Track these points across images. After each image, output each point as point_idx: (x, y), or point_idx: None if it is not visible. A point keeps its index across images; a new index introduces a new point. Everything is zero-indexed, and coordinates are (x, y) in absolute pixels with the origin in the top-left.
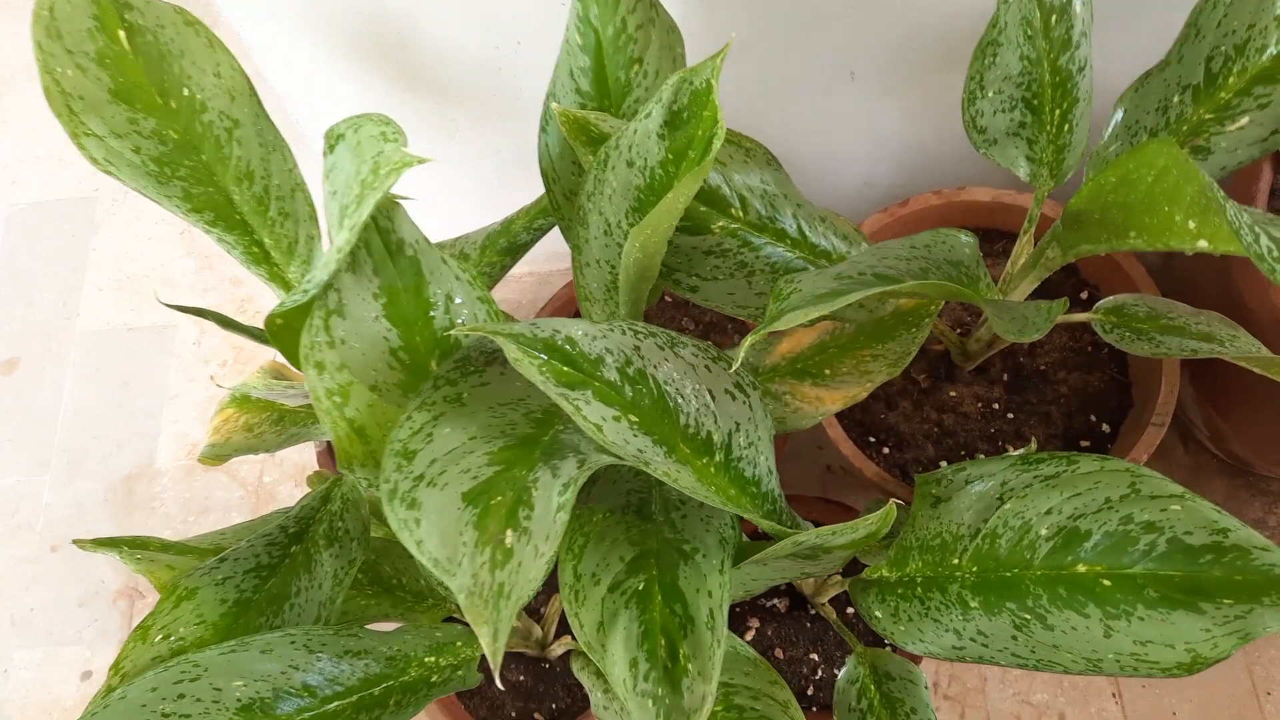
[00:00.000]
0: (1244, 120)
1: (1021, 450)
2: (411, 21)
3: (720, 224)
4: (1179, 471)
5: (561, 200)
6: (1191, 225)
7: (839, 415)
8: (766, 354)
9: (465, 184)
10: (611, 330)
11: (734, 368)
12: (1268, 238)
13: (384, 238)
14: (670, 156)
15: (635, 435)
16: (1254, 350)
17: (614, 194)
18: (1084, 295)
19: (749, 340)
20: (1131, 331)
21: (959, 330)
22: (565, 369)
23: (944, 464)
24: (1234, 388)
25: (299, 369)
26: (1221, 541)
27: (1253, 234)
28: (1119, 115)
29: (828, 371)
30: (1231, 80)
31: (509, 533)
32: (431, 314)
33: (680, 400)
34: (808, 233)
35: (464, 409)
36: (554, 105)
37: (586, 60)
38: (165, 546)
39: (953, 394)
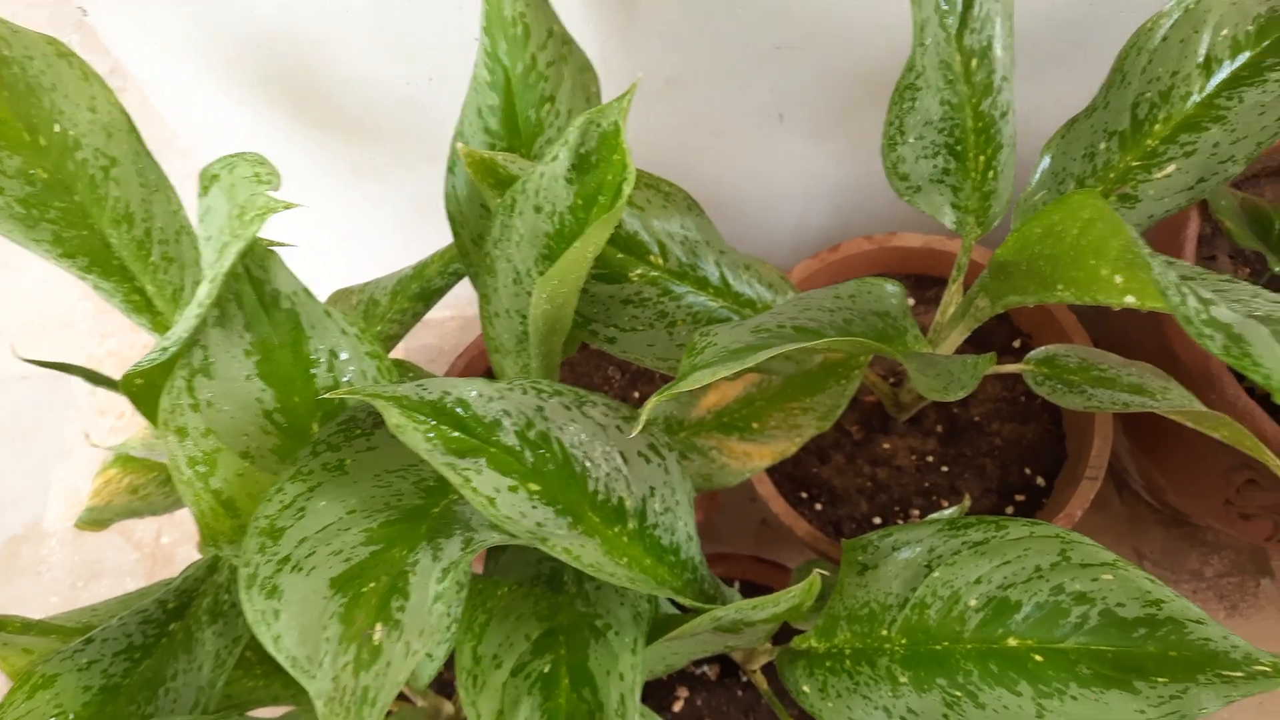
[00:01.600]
0: (1171, 168)
1: (950, 511)
2: (322, 55)
3: (639, 271)
4: (1117, 523)
5: (469, 245)
6: (1118, 280)
7: (770, 470)
8: (691, 408)
9: (387, 225)
10: (511, 390)
11: (635, 432)
12: (1195, 298)
13: (257, 289)
14: (579, 202)
15: (535, 506)
16: (1186, 404)
17: (522, 240)
18: (1017, 344)
19: (652, 401)
20: (1063, 384)
21: (892, 380)
22: (456, 435)
23: (878, 520)
24: (1168, 439)
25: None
26: (1155, 614)
27: (1179, 293)
28: (1046, 162)
29: (755, 426)
30: (1158, 127)
31: (379, 627)
32: (313, 372)
33: (589, 465)
34: (731, 280)
35: (345, 478)
36: (459, 146)
37: (495, 98)
38: (25, 626)
39: (886, 446)
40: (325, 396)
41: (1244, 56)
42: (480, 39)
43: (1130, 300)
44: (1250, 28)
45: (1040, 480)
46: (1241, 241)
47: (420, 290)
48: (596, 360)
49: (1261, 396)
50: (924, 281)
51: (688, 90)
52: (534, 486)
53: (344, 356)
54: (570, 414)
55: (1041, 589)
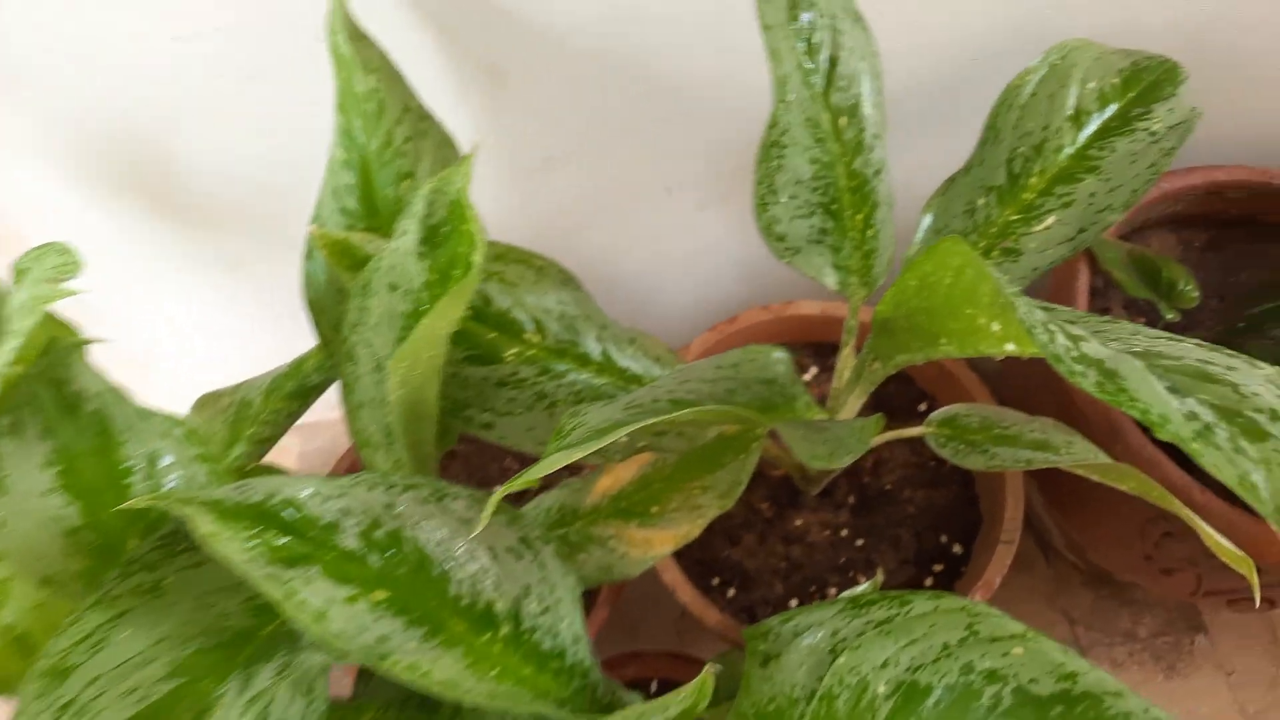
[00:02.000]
0: (1050, 220)
1: (863, 587)
2: (178, 145)
3: (514, 351)
4: (1044, 584)
5: (330, 334)
6: (996, 328)
7: (677, 555)
8: (585, 495)
9: (262, 321)
10: (355, 485)
11: (480, 526)
12: (1064, 336)
13: (57, 391)
14: (434, 278)
15: (380, 617)
16: (1091, 457)
17: (379, 323)
18: (923, 407)
19: (500, 493)
20: (965, 444)
21: None
22: (283, 542)
23: (794, 602)
24: (1081, 496)
25: None
26: (1070, 689)
27: (1047, 332)
28: (928, 220)
29: (655, 509)
30: (1033, 180)
31: None
32: (128, 481)
33: (451, 565)
34: (614, 356)
35: (160, 602)
36: (312, 229)
37: (351, 177)
38: None
39: (799, 522)
40: (120, 508)
41: (1112, 108)
42: (335, 117)
43: (1010, 348)
44: (1115, 80)
45: (957, 547)
46: (1132, 291)
47: (296, 388)
48: (493, 452)
49: (1168, 445)
50: (825, 349)
51: (568, 166)
52: (380, 594)
53: (166, 461)
54: (428, 509)
55: (951, 669)
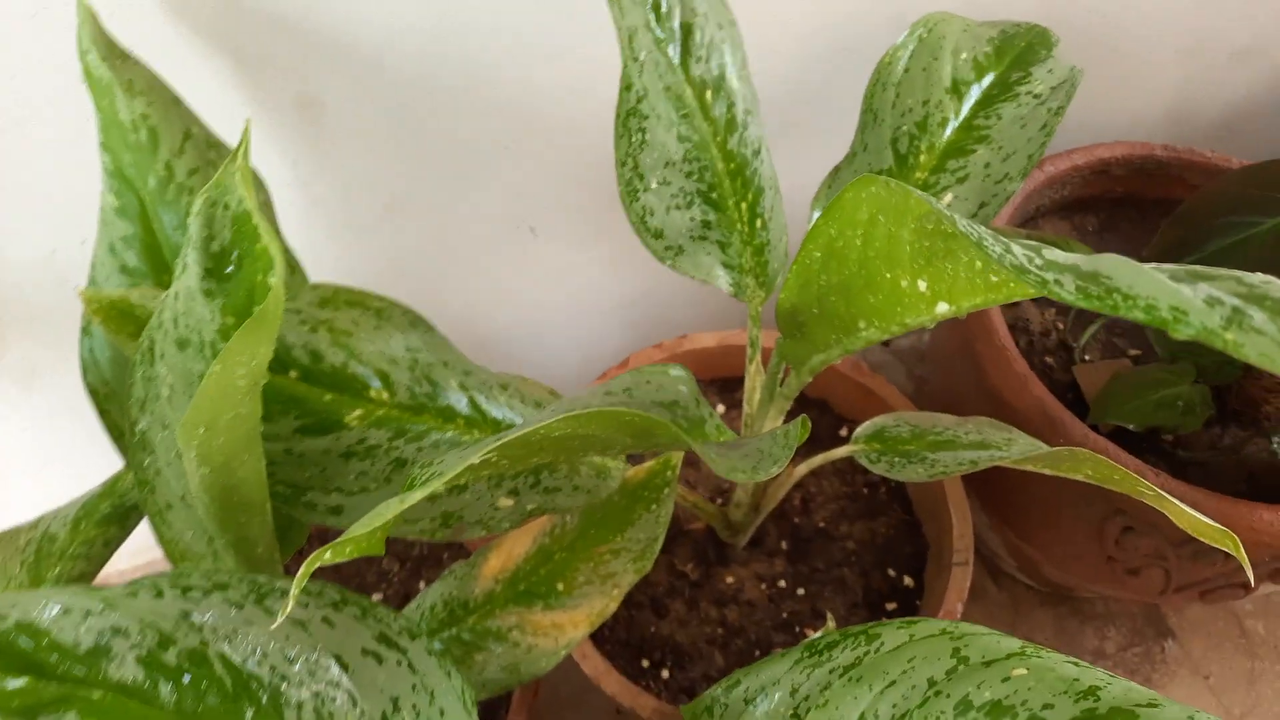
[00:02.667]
0: (948, 197)
1: (821, 633)
2: None
3: (357, 413)
4: (999, 611)
5: (120, 421)
6: (923, 287)
7: (596, 639)
8: (472, 581)
9: (61, 440)
10: (132, 595)
11: (281, 617)
12: (1022, 247)
13: None
14: (230, 321)
15: None
16: (1035, 449)
17: (174, 394)
18: (843, 432)
19: (310, 564)
20: (900, 456)
21: (719, 500)
22: (19, 684)
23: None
24: (1027, 505)
25: None
26: (1095, 709)
27: (1001, 244)
28: (818, 215)
29: (560, 586)
30: (923, 159)
31: None
32: None
33: (284, 685)
34: (485, 406)
35: None
36: (79, 289)
37: (129, 227)
38: None
39: (730, 580)
40: None
41: (990, 76)
42: (100, 158)
43: (942, 309)
44: (988, 49)
45: (908, 580)
46: None
47: (112, 511)
48: (397, 546)
49: (1111, 432)
50: (730, 384)
51: (412, 211)
52: None
53: None
54: (247, 614)
55: (945, 710)
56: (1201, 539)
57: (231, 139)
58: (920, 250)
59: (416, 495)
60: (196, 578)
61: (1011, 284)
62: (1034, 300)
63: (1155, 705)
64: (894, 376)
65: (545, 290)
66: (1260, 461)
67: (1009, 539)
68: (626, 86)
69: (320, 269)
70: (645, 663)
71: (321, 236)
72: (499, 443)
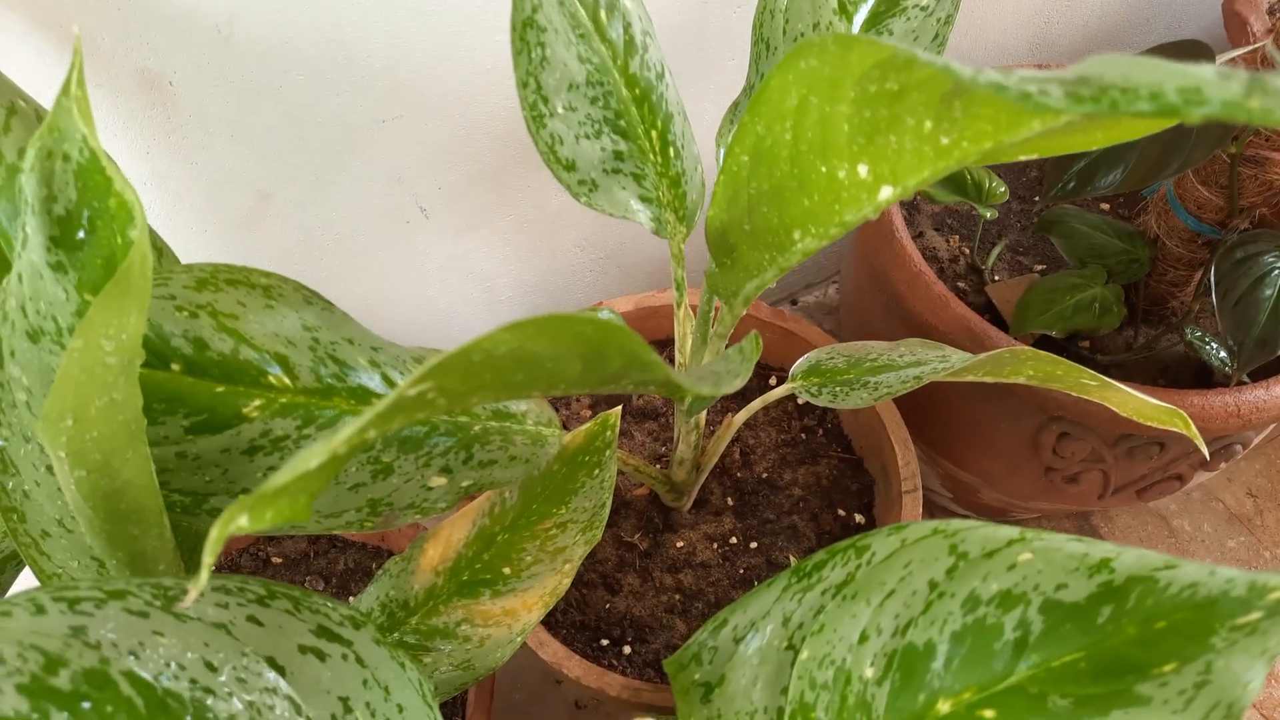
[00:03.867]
0: None
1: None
2: None
3: (257, 404)
4: None
5: None
6: (864, 172)
7: (550, 623)
8: (411, 576)
9: None
10: (8, 614)
11: (192, 595)
12: (994, 70)
13: None
14: (89, 297)
15: None
16: (971, 359)
17: (32, 398)
18: (773, 381)
19: (210, 545)
20: (841, 385)
21: (659, 463)
22: None
23: None
24: (961, 430)
25: None
26: (1111, 580)
27: (969, 69)
28: (724, 153)
29: (507, 570)
30: None
31: None
32: None
33: (209, 700)
34: (400, 381)
35: None
36: None
37: None
38: None
39: (680, 544)
40: None
41: None
42: None
43: (886, 193)
44: None
45: (859, 517)
46: (943, 199)
47: None
48: (295, 566)
49: (1038, 340)
50: (656, 347)
51: (291, 200)
52: None
53: None
54: (151, 623)
55: (951, 610)
56: (1149, 422)
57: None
58: (861, 125)
59: (346, 433)
60: (86, 588)
61: (965, 143)
62: (935, 228)
63: (1172, 566)
64: (811, 314)
65: (445, 277)
66: (1173, 356)
67: (943, 469)
68: None
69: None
70: (605, 641)
71: (188, 235)
72: (432, 364)
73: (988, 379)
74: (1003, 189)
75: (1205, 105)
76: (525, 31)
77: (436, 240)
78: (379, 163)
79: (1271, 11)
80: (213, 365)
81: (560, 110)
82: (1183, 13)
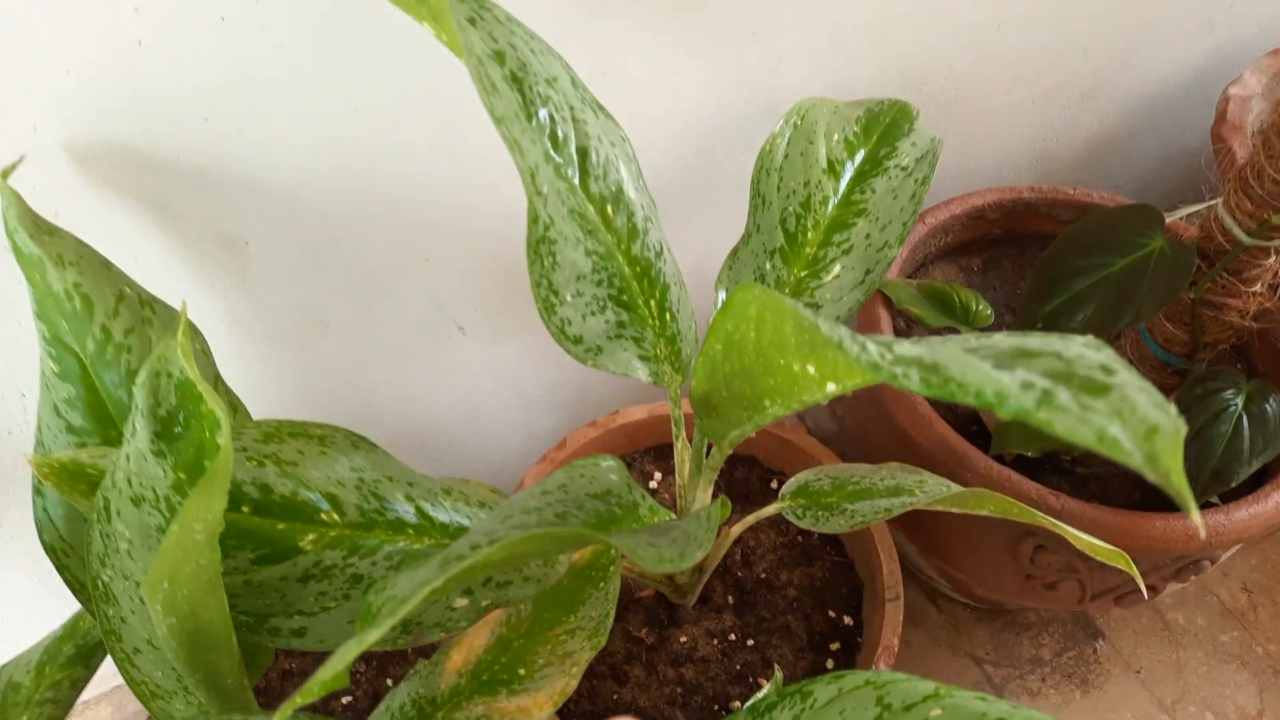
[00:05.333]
0: (836, 269)
1: (764, 690)
2: None
3: (311, 538)
4: (942, 632)
5: (81, 575)
6: (812, 370)
7: (561, 716)
8: (439, 677)
9: (14, 591)
10: None
11: None
12: (874, 344)
13: None
14: (182, 477)
15: None
16: (944, 490)
17: (132, 547)
18: (774, 484)
19: (287, 708)
20: (823, 509)
21: None
22: None
23: None
24: (946, 533)
25: None
26: None
27: (857, 344)
28: (722, 295)
29: (522, 671)
30: (810, 235)
31: None
32: None
33: None
34: (431, 512)
35: None
36: (29, 456)
37: (70, 389)
38: None
39: (684, 639)
40: None
41: (861, 154)
42: (36, 327)
43: (831, 389)
44: (856, 129)
45: (847, 619)
46: (932, 322)
47: (76, 652)
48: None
49: (1013, 460)
50: (664, 451)
51: (344, 326)
52: None
53: None
54: None
55: None
56: (1098, 558)
57: (162, 285)
58: (803, 342)
59: (374, 635)
60: None
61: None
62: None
63: None
64: (819, 414)
65: (479, 382)
66: None
67: (937, 565)
68: (534, 219)
69: (258, 388)
70: None
71: (256, 360)
72: (445, 576)
73: (955, 510)
74: (989, 312)
75: (1009, 408)
76: (539, 247)
77: (472, 351)
78: (422, 291)
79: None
80: (275, 506)
81: (569, 299)
82: (1181, 122)
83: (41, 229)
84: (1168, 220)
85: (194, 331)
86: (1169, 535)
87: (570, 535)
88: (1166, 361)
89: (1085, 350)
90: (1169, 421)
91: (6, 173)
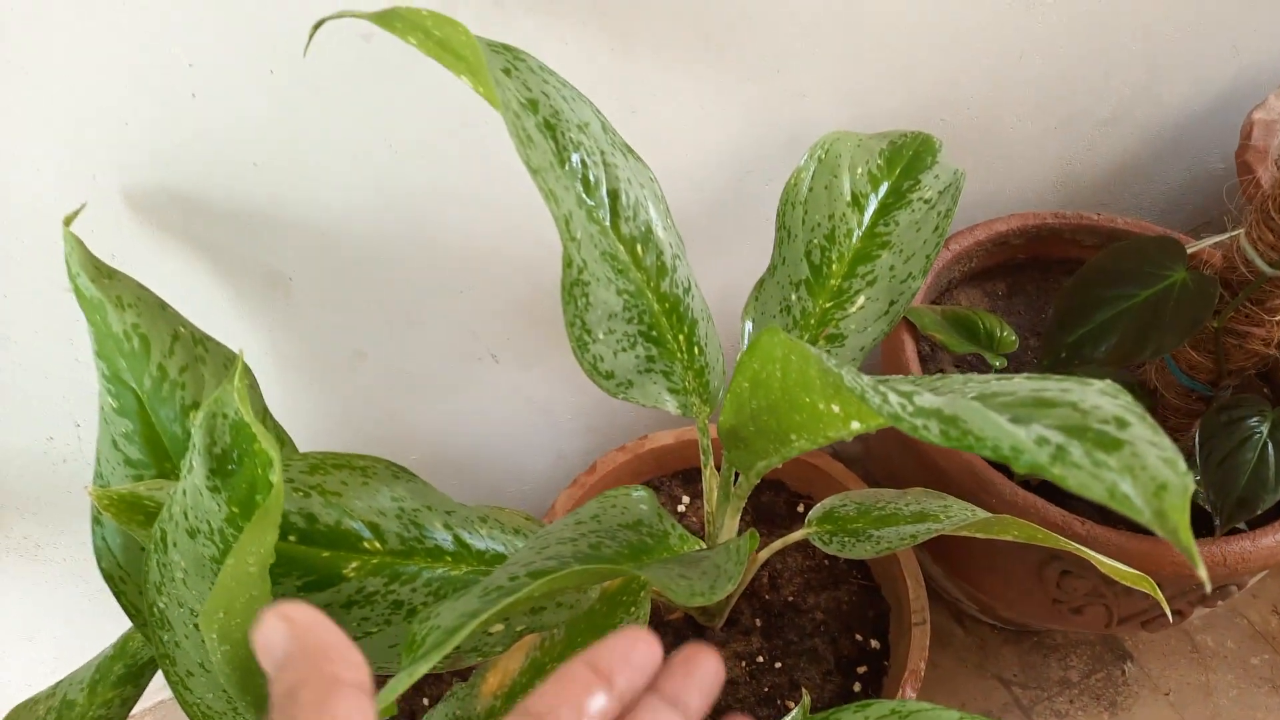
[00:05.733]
0: (860, 300)
1: (794, 711)
2: None
3: (354, 566)
4: (969, 654)
5: (137, 600)
6: (836, 409)
7: None
8: (475, 699)
9: (65, 609)
10: None
11: None
12: (895, 394)
13: None
14: (235, 510)
15: None
16: (969, 516)
17: (188, 576)
18: (800, 508)
19: None
20: (849, 536)
21: None
22: None
23: None
24: (973, 557)
25: None
26: None
27: (879, 395)
28: (749, 326)
29: None
30: (835, 267)
31: None
32: None
33: None
34: (468, 540)
35: None
36: (91, 489)
37: (128, 424)
38: None
39: None
40: None
41: (885, 187)
42: (96, 365)
43: (856, 426)
44: (880, 161)
45: (874, 642)
46: (956, 349)
47: (126, 671)
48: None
49: (1038, 485)
50: (692, 475)
51: (381, 356)
52: None
53: None
54: None
55: None
56: (1123, 581)
57: (211, 319)
58: (827, 384)
59: (423, 668)
60: None
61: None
62: (956, 364)
63: None
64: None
65: (511, 406)
66: None
67: (963, 587)
68: (568, 264)
69: (300, 416)
70: None
71: (297, 387)
72: (489, 612)
73: (980, 535)
74: (1014, 338)
75: (1022, 462)
76: (573, 289)
77: (503, 376)
78: (456, 321)
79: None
80: (320, 535)
81: (601, 336)
82: (1205, 145)
83: (101, 273)
84: (1192, 249)
85: (244, 369)
86: None
87: (605, 571)
88: (1191, 388)
89: (1102, 400)
90: (1177, 479)
91: (69, 219)
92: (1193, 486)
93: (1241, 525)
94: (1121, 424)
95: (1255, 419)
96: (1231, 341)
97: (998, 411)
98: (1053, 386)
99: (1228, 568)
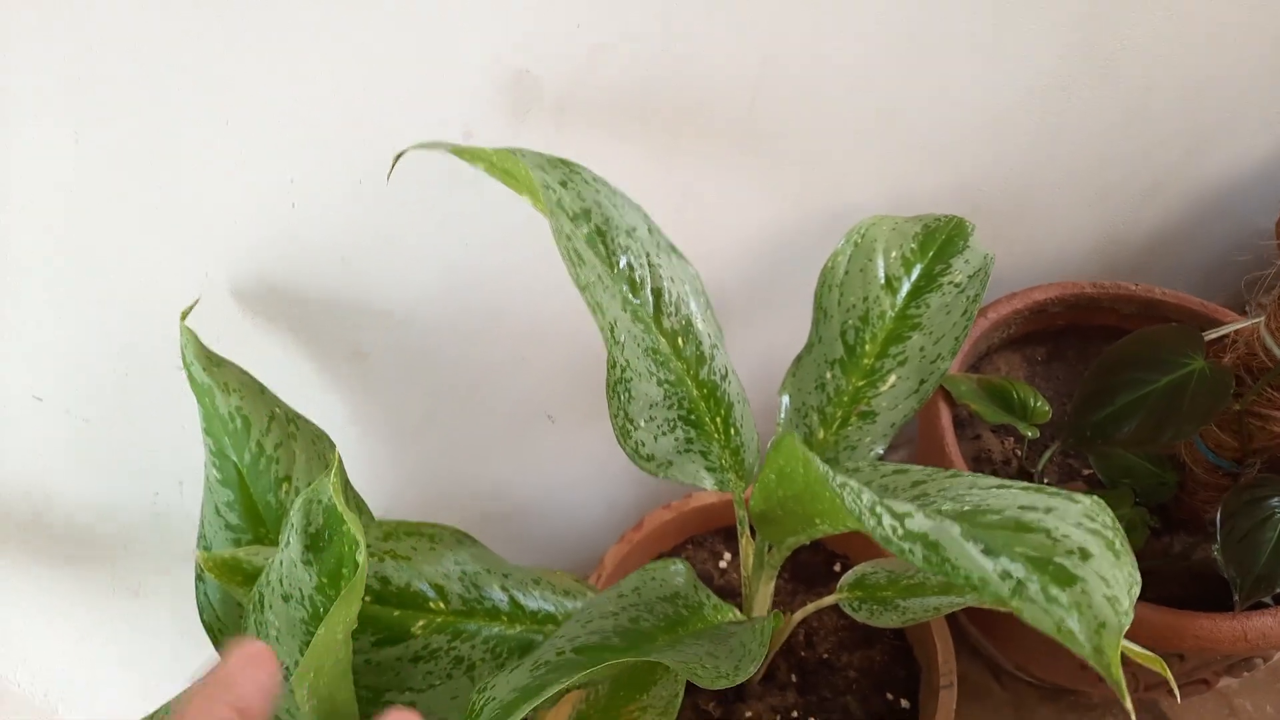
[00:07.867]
0: (892, 379)
1: None
2: (42, 496)
3: (421, 624)
4: (1004, 709)
5: None
6: None
7: None
8: None
9: (165, 647)
10: None
11: None
12: (890, 516)
13: None
14: (324, 580)
15: None
16: None
17: (280, 634)
18: (837, 567)
19: None
20: (877, 604)
21: None
22: None
23: None
24: (1002, 618)
25: None
26: None
27: (874, 517)
28: (786, 400)
29: None
30: (868, 347)
31: None
32: None
33: None
34: (523, 601)
35: None
36: (199, 553)
37: (230, 494)
38: None
39: (749, 715)
40: None
41: (917, 270)
42: (204, 441)
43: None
44: (914, 245)
45: (904, 702)
46: (991, 419)
47: None
48: None
49: None
50: (732, 532)
51: (448, 420)
52: None
53: None
54: None
55: None
56: (1137, 660)
57: (300, 393)
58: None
59: None
60: None
61: None
62: (993, 430)
63: None
64: None
65: (565, 463)
66: (1206, 564)
67: (997, 646)
68: (612, 365)
69: (375, 471)
70: None
71: (374, 458)
72: (540, 698)
73: (1002, 608)
74: (1047, 409)
75: (987, 593)
76: (616, 387)
77: (559, 436)
78: (516, 387)
79: None
80: (392, 596)
81: (642, 424)
82: (1250, 211)
83: (212, 361)
84: (1210, 336)
85: (327, 441)
86: (1216, 635)
87: (641, 665)
88: (1218, 465)
89: (1075, 527)
90: (1115, 619)
91: (185, 313)
92: (1129, 622)
93: (1266, 600)
94: (1084, 555)
95: (1276, 500)
96: (1255, 423)
97: (976, 539)
98: (1039, 505)
99: (1249, 642)
